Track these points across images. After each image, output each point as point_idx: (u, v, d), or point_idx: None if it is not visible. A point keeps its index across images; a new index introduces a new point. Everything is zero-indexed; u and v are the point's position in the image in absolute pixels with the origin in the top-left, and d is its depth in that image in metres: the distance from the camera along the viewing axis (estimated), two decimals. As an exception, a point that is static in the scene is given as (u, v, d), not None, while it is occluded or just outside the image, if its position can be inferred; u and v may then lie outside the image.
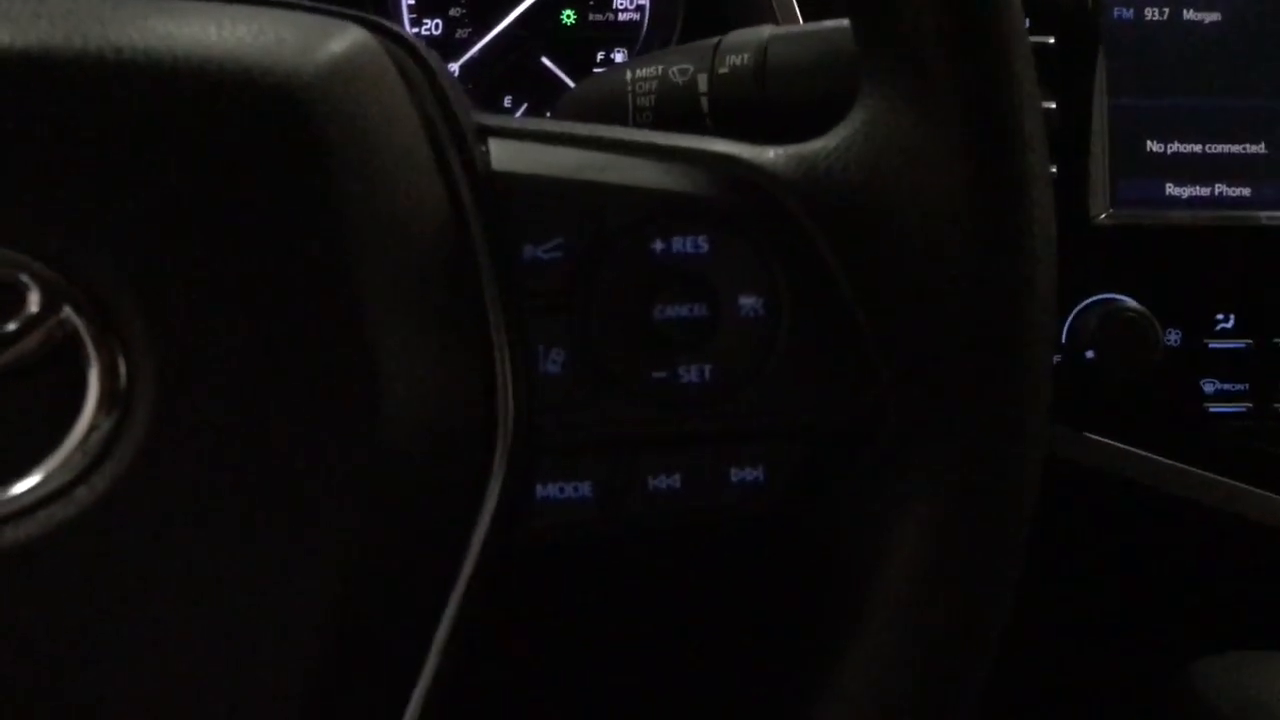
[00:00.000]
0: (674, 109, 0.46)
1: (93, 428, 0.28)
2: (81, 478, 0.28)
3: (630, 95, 0.47)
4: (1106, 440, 0.65)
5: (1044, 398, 0.34)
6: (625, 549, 0.37)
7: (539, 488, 0.33)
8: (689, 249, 0.33)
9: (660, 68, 0.47)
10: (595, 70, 0.80)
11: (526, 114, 0.79)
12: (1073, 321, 0.65)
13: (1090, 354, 0.64)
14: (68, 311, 0.28)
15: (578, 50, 0.79)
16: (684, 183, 0.33)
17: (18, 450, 0.28)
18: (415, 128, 0.33)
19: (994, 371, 0.33)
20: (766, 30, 0.46)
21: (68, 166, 0.28)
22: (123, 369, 0.28)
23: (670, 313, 0.33)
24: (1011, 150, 0.32)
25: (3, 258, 0.27)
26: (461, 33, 0.78)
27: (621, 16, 0.79)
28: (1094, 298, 0.65)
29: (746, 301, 0.33)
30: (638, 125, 0.47)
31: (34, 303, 0.28)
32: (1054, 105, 0.66)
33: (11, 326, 0.27)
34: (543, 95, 0.79)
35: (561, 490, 0.33)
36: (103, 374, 0.28)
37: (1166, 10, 0.68)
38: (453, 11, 0.78)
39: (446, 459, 0.32)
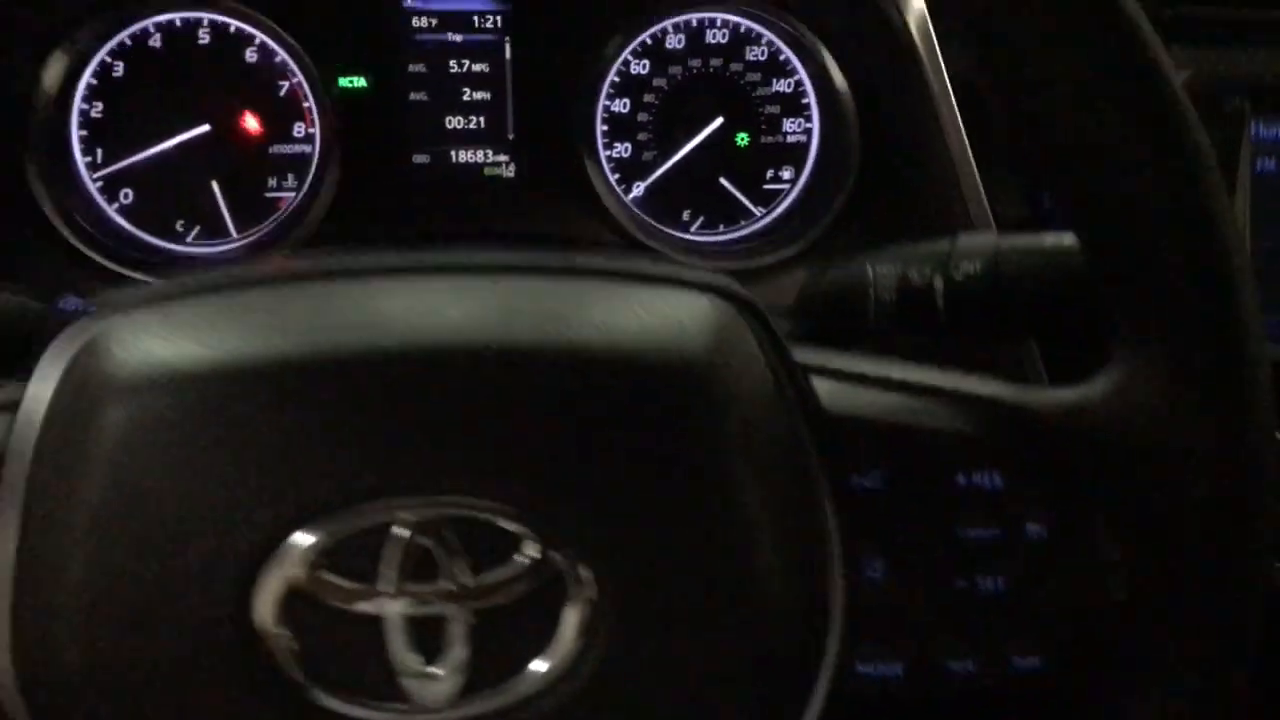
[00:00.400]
0: (913, 305, 0.55)
1: (577, 634, 0.37)
2: (569, 673, 0.37)
3: (872, 289, 0.55)
4: None
5: (1260, 604, 0.43)
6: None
7: (859, 665, 0.42)
8: (985, 482, 0.41)
9: (900, 266, 0.55)
10: (765, 186, 0.88)
11: (703, 228, 0.87)
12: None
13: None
14: (554, 554, 0.37)
15: (751, 169, 0.88)
16: (981, 427, 0.42)
17: (518, 653, 0.37)
18: (766, 377, 0.41)
19: (1227, 592, 0.42)
20: (993, 241, 0.54)
21: (547, 447, 0.37)
22: (594, 593, 0.37)
23: (970, 534, 0.41)
24: (1250, 415, 0.40)
25: (516, 517, 0.37)
26: (648, 155, 0.87)
27: (790, 139, 0.88)
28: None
29: (1033, 527, 0.41)
30: (878, 317, 0.56)
31: (531, 549, 0.37)
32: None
33: (521, 561, 0.37)
34: (719, 209, 0.88)
35: (877, 668, 0.42)
36: (582, 596, 0.37)
37: (1304, 161, 0.76)
38: (640, 136, 0.86)
39: (796, 643, 0.41)
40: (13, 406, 0.40)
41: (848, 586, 0.41)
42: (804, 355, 0.44)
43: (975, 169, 0.74)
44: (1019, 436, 0.42)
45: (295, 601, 0.37)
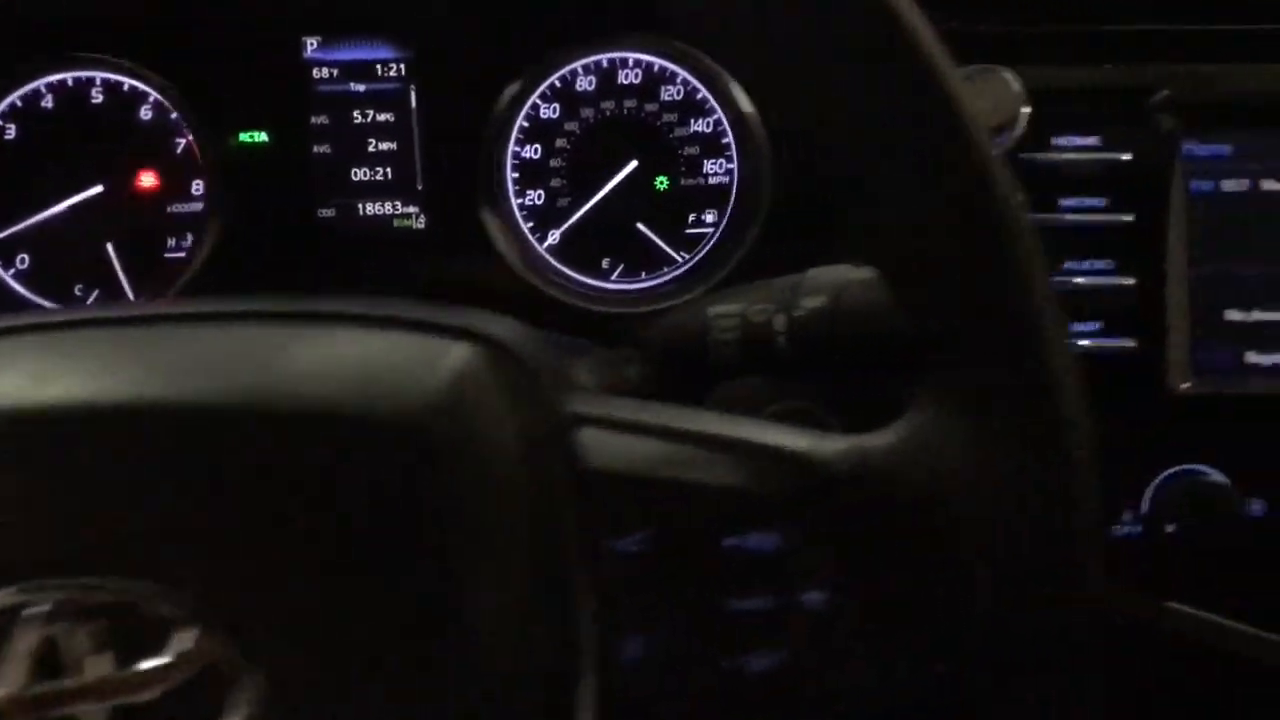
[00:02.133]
0: (753, 345, 0.50)
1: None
2: None
3: (712, 330, 0.51)
4: (1191, 610, 0.66)
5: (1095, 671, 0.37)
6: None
7: None
8: (759, 545, 0.36)
9: (741, 306, 0.51)
10: (687, 231, 0.84)
11: (623, 275, 0.83)
12: (1154, 493, 0.67)
13: (1171, 527, 0.65)
14: (213, 644, 0.33)
15: (671, 214, 0.84)
16: (756, 481, 0.37)
17: None
18: (515, 432, 0.37)
19: (1045, 657, 0.36)
20: (842, 273, 0.49)
21: (216, 510, 0.33)
22: (263, 693, 0.33)
23: (741, 605, 0.36)
24: (1060, 471, 0.35)
25: (169, 599, 0.33)
26: (562, 202, 0.83)
27: (712, 181, 0.84)
28: (1175, 469, 0.67)
29: (812, 595, 0.36)
30: (718, 359, 0.51)
31: (185, 637, 0.33)
32: (1133, 281, 0.68)
33: (175, 651, 0.33)
34: (639, 257, 0.84)
35: None
36: (244, 698, 0.32)
37: (1246, 181, 0.70)
38: (553, 183, 0.83)
39: None
40: None
41: (601, 667, 0.36)
42: (582, 405, 0.39)
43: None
44: (797, 489, 0.37)
45: None
